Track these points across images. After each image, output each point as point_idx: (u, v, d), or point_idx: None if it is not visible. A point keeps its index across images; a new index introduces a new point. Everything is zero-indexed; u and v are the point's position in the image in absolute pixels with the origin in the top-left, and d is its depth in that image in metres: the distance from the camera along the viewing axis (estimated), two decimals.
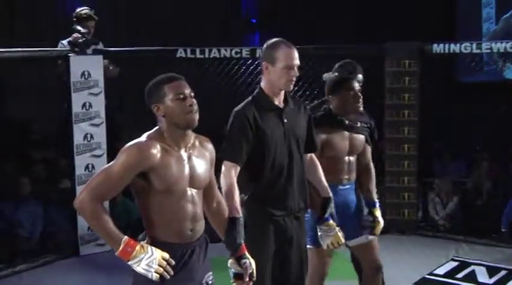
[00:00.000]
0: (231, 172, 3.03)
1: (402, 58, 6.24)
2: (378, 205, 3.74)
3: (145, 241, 2.57)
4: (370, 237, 3.71)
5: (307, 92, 6.17)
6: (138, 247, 2.48)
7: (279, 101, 3.19)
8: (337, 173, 3.60)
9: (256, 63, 6.34)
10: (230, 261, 2.82)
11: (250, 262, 2.80)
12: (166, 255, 2.51)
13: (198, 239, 2.65)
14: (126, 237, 2.48)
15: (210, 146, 2.73)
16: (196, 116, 2.57)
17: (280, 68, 3.09)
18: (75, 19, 5.89)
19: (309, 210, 3.48)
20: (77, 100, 5.62)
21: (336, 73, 3.64)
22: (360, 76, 3.63)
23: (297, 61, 3.12)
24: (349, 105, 3.58)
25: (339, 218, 3.44)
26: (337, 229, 3.35)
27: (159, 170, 2.51)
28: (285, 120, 3.17)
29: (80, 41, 5.65)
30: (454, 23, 9.86)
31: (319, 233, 3.38)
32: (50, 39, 6.22)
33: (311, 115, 3.36)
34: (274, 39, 3.18)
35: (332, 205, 3.34)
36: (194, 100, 2.58)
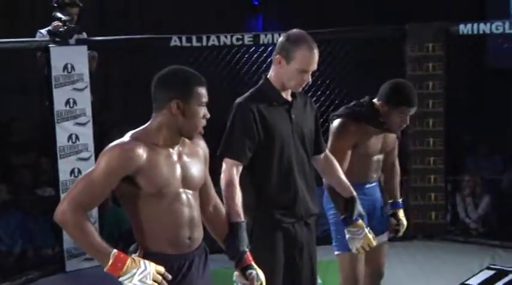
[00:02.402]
0: (232, 171, 3.03)
1: (425, 41, 6.24)
2: (401, 205, 3.93)
3: (137, 253, 2.58)
4: (384, 239, 3.86)
5: (319, 81, 6.19)
6: (129, 261, 2.48)
7: (286, 94, 3.20)
8: (366, 172, 3.75)
9: (260, 50, 6.36)
10: (235, 273, 2.83)
11: (258, 273, 2.80)
12: (162, 269, 2.52)
13: (197, 248, 2.66)
14: (115, 250, 2.49)
15: (201, 142, 2.75)
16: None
17: (293, 69, 3.10)
18: (55, 5, 5.89)
19: (332, 212, 3.61)
20: (60, 97, 5.63)
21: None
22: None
23: (314, 67, 3.13)
24: (391, 124, 3.67)
25: (366, 217, 3.57)
26: (367, 230, 3.41)
27: (146, 172, 2.52)
28: (293, 116, 3.19)
29: (61, 29, 5.66)
30: (483, 1, 9.84)
31: (347, 236, 3.43)
32: (27, 29, 6.24)
33: (317, 112, 3.40)
34: (296, 33, 3.16)
35: (359, 204, 3.39)
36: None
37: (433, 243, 6.21)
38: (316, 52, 3.11)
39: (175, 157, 2.60)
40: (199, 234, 2.67)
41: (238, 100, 3.15)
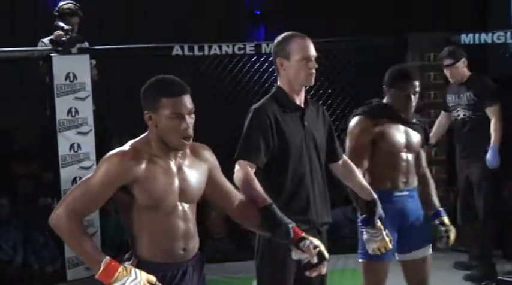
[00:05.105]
0: (246, 169, 3.01)
1: (426, 50, 6.24)
2: (443, 212, 3.73)
3: (131, 262, 2.57)
4: (426, 253, 3.76)
5: (321, 90, 6.21)
6: (120, 269, 2.48)
7: (300, 101, 3.22)
8: (393, 174, 3.64)
9: (261, 59, 6.36)
10: (293, 252, 2.76)
11: (312, 241, 2.72)
12: (153, 279, 2.51)
13: (191, 258, 2.65)
14: (107, 257, 2.49)
15: (206, 154, 2.71)
16: (190, 141, 2.56)
17: (296, 61, 3.12)
18: (57, 14, 5.92)
19: (358, 220, 3.56)
20: (61, 106, 5.65)
21: None
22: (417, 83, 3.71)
23: (313, 52, 3.16)
24: (399, 106, 3.66)
25: (393, 229, 3.54)
26: (385, 232, 3.39)
27: (144, 184, 2.51)
28: (306, 123, 3.20)
29: (63, 38, 5.68)
30: (485, 11, 9.85)
31: (364, 237, 3.44)
32: (29, 37, 6.26)
33: (330, 120, 3.40)
34: (283, 34, 3.22)
35: (379, 206, 3.37)
36: (192, 120, 2.55)
37: (435, 253, 6.16)
38: (308, 38, 3.16)
39: (174, 169, 2.58)
40: (194, 245, 2.65)
41: (255, 106, 3.18)
